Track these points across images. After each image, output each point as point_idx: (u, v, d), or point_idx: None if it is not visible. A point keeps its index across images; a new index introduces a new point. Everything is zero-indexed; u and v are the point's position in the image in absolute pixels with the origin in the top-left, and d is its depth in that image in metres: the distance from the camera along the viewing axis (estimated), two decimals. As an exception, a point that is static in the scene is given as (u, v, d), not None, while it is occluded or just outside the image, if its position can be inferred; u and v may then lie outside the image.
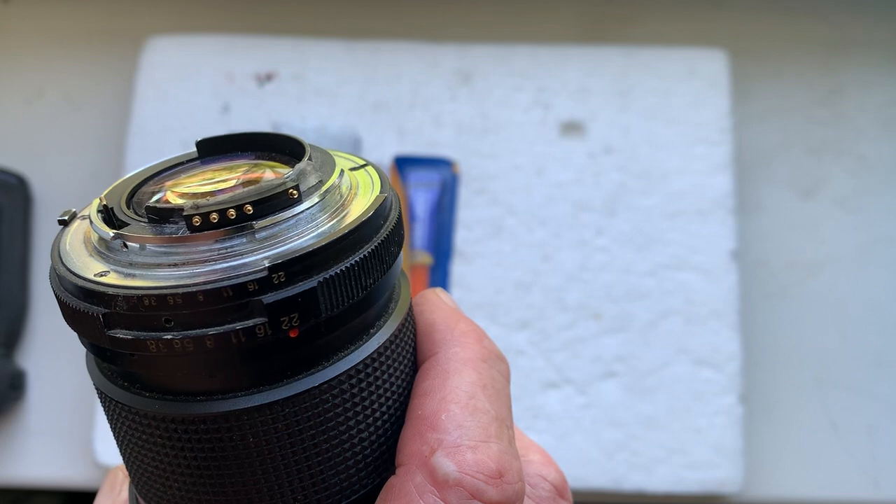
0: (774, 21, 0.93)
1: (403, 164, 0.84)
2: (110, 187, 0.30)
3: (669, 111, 0.85)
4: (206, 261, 0.25)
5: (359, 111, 0.86)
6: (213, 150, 0.32)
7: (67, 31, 0.94)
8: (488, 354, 0.32)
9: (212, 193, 0.28)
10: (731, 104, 0.85)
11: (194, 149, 0.32)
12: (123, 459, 0.30)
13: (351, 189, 0.29)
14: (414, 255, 0.81)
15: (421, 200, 0.83)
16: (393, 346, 0.30)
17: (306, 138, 0.31)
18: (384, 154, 0.85)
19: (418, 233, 0.82)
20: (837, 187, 0.88)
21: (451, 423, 0.29)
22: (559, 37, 0.92)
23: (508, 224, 0.82)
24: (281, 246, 0.26)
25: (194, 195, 0.29)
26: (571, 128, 0.85)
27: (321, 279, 0.26)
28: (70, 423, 0.83)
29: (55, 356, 0.84)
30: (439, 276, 0.81)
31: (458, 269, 0.81)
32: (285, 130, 0.32)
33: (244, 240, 0.26)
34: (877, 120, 0.89)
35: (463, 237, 0.82)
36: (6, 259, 0.84)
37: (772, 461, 0.80)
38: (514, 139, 0.85)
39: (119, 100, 0.90)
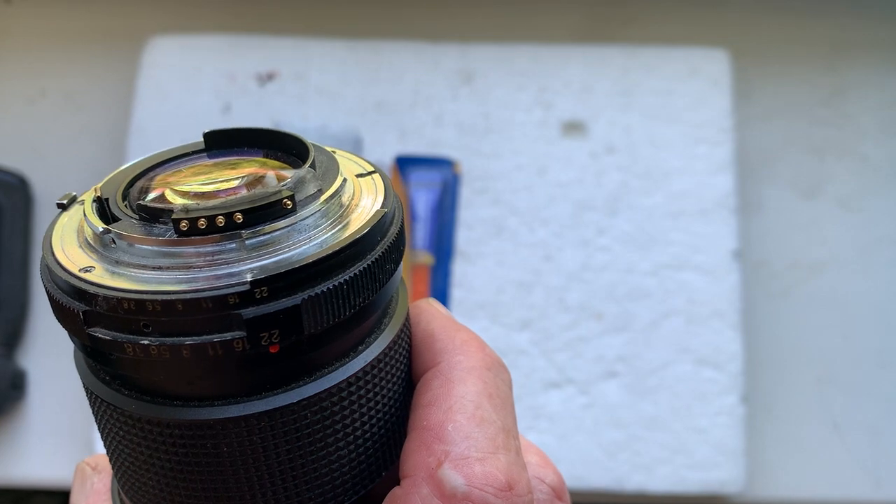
0: (777, 21, 0.92)
1: (405, 163, 0.84)
2: (108, 177, 0.29)
3: (671, 111, 0.85)
4: (191, 266, 0.24)
5: (360, 111, 0.86)
6: (220, 143, 0.31)
7: (69, 31, 0.94)
8: (492, 363, 0.31)
9: (214, 194, 0.28)
10: (732, 104, 0.85)
11: (200, 139, 0.31)
12: (107, 453, 0.30)
13: (353, 198, 0.28)
14: (415, 255, 0.81)
15: (422, 200, 0.83)
16: (381, 364, 0.29)
17: (308, 138, 0.30)
18: (385, 154, 0.85)
19: (419, 233, 0.82)
20: (839, 187, 0.87)
21: (458, 434, 0.28)
22: (561, 37, 0.92)
23: (510, 224, 0.82)
24: (270, 257, 0.25)
25: (196, 195, 0.28)
26: (573, 127, 0.85)
27: (306, 297, 0.24)
28: (70, 422, 0.82)
29: (56, 356, 0.84)
30: (440, 276, 0.81)
31: (460, 268, 0.81)
32: (286, 130, 0.31)
33: (233, 247, 0.25)
34: (879, 120, 0.89)
35: (464, 237, 0.82)
36: (7, 259, 0.84)
37: (774, 461, 0.80)
38: (516, 139, 0.85)
39: (120, 99, 0.90)
